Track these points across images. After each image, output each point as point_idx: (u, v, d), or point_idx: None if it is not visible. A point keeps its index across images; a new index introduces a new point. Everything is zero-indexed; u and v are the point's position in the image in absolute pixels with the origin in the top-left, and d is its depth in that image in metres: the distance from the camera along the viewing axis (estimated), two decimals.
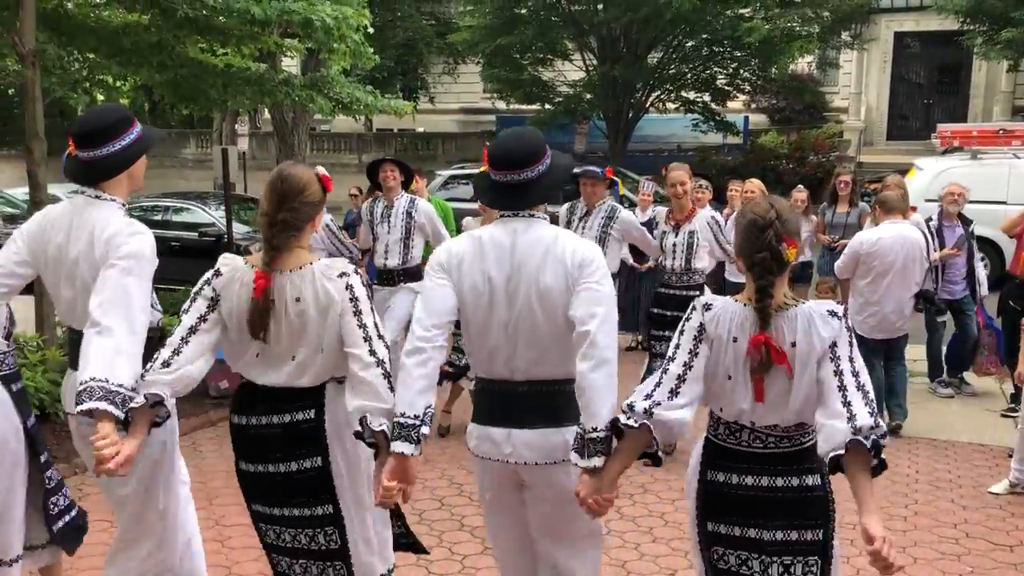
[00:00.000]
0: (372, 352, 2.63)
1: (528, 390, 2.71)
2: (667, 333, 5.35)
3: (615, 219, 5.97)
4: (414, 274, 6.20)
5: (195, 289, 2.77)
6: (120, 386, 2.59)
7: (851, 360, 2.41)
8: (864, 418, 2.32)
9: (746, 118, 23.63)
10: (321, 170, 2.83)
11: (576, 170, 5.98)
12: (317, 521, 2.78)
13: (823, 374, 2.39)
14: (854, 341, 2.45)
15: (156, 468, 3.08)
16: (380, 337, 2.67)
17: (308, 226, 2.76)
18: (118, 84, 10.63)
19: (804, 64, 24.38)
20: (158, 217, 11.90)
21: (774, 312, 2.43)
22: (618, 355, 2.60)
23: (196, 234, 11.48)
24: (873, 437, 2.30)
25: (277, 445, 2.75)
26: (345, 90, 9.27)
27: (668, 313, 5.62)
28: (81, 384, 2.59)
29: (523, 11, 20.33)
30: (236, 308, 2.70)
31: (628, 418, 2.46)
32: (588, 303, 2.58)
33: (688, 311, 2.56)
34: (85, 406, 2.54)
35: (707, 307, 2.52)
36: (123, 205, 3.03)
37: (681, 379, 2.47)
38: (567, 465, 2.62)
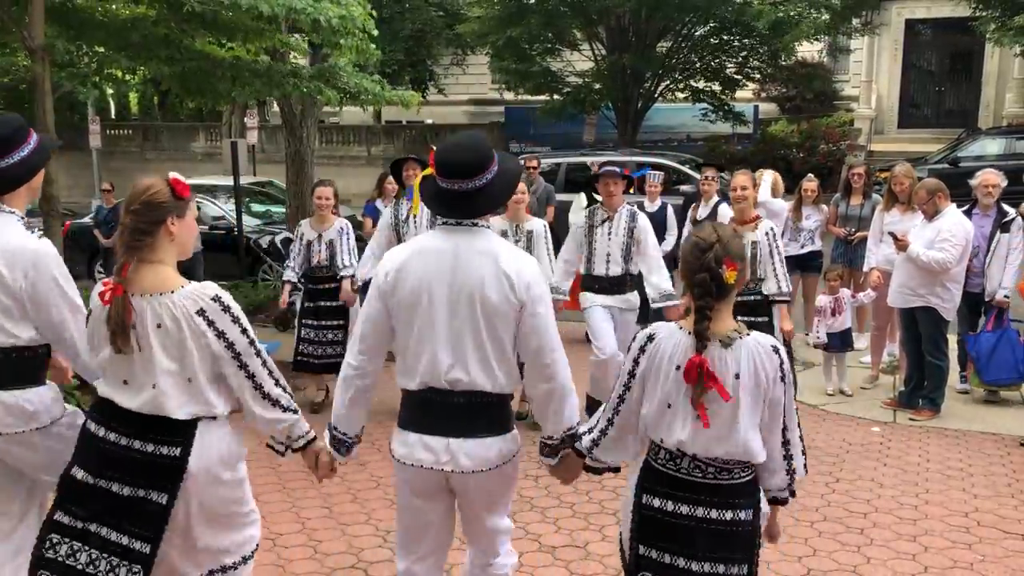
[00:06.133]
0: (265, 396, 2.72)
1: (468, 401, 2.69)
2: None
3: (637, 225, 5.68)
4: None
5: None
6: None
7: (790, 399, 2.52)
8: (800, 469, 2.58)
9: (756, 107, 23.51)
10: (173, 175, 2.73)
11: (597, 170, 5.73)
12: (130, 555, 2.62)
13: (771, 408, 2.48)
14: (789, 380, 2.51)
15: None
16: (270, 375, 2.72)
17: (161, 232, 2.64)
18: (127, 77, 10.64)
19: (814, 52, 24.21)
20: None
21: (719, 342, 2.42)
22: None
23: (207, 228, 11.53)
24: (793, 487, 2.61)
25: (129, 468, 2.63)
26: (353, 80, 9.26)
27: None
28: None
29: (531, 1, 20.27)
30: (98, 325, 2.67)
31: (579, 446, 2.76)
32: (540, 333, 2.68)
33: (632, 342, 2.62)
34: None
35: (650, 338, 2.56)
36: (22, 218, 2.97)
37: (616, 411, 2.63)
38: (501, 469, 2.76)
